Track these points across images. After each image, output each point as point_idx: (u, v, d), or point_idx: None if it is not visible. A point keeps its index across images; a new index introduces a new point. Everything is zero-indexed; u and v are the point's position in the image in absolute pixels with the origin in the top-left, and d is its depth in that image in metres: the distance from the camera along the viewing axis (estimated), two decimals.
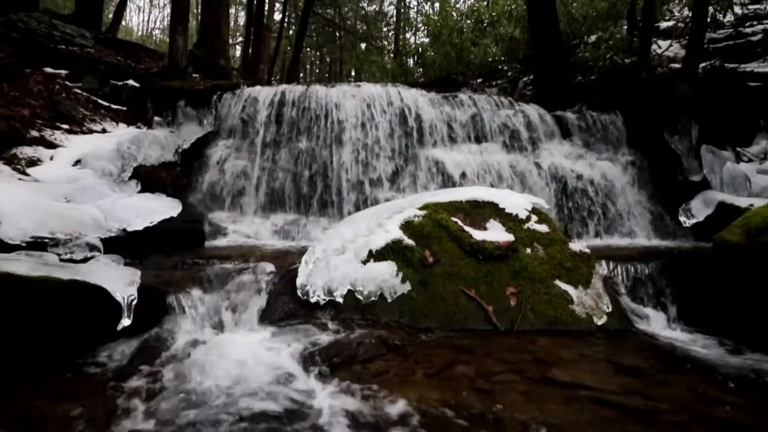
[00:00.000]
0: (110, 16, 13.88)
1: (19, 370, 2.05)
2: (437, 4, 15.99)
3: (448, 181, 5.03)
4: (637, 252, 3.90)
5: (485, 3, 12.00)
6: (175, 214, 3.89)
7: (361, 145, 5.24)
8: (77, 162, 4.21)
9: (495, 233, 3.16)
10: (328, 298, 2.78)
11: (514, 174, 5.10)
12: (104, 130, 5.11)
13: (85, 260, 2.86)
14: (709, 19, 5.96)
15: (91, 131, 4.99)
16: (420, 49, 12.33)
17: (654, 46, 6.40)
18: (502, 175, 5.08)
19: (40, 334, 2.17)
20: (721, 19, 6.81)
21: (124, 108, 5.73)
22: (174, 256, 3.44)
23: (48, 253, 2.78)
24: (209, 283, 2.84)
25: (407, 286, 2.84)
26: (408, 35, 21.33)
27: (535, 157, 5.40)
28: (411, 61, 13.16)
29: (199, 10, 13.33)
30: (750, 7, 7.28)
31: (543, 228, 3.22)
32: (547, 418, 1.73)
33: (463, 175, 5.04)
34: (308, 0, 13.00)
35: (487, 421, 1.72)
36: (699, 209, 4.59)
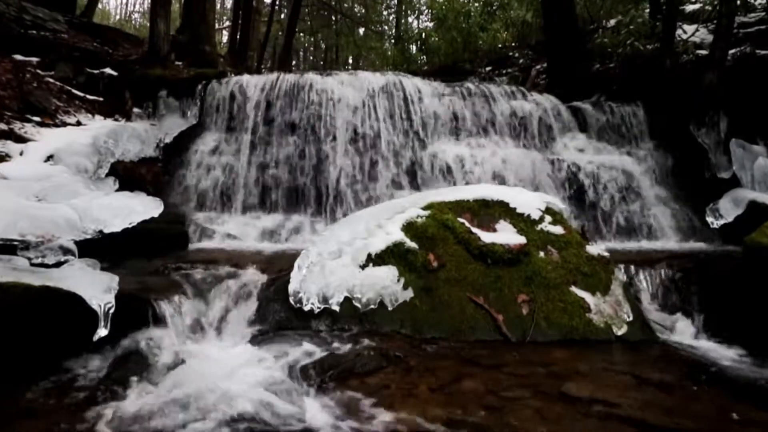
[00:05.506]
0: None
1: None
2: None
3: (452, 178, 5.03)
4: (660, 256, 3.90)
5: None
6: (156, 215, 3.88)
7: (359, 139, 5.24)
8: (50, 157, 4.21)
9: (505, 235, 3.16)
10: (323, 306, 2.78)
11: (526, 170, 5.10)
12: (79, 123, 5.11)
13: (58, 265, 2.86)
14: (739, 2, 5.96)
15: (64, 124, 4.99)
16: (423, 34, 12.36)
17: (679, 31, 6.38)
18: (513, 171, 5.07)
19: (8, 345, 2.16)
20: (752, 1, 6.80)
21: (101, 98, 5.73)
22: (155, 259, 3.45)
23: (17, 256, 2.77)
24: (193, 289, 2.85)
25: (409, 293, 2.84)
26: (410, 19, 21.36)
27: (549, 151, 5.40)
28: (414, 48, 13.20)
29: None
30: None
31: (558, 229, 3.22)
32: None
33: (470, 171, 5.04)
34: None
35: None
36: (728, 209, 4.58)
